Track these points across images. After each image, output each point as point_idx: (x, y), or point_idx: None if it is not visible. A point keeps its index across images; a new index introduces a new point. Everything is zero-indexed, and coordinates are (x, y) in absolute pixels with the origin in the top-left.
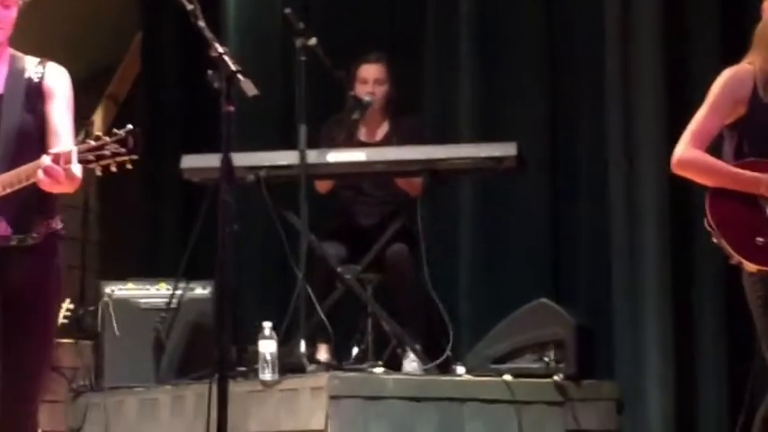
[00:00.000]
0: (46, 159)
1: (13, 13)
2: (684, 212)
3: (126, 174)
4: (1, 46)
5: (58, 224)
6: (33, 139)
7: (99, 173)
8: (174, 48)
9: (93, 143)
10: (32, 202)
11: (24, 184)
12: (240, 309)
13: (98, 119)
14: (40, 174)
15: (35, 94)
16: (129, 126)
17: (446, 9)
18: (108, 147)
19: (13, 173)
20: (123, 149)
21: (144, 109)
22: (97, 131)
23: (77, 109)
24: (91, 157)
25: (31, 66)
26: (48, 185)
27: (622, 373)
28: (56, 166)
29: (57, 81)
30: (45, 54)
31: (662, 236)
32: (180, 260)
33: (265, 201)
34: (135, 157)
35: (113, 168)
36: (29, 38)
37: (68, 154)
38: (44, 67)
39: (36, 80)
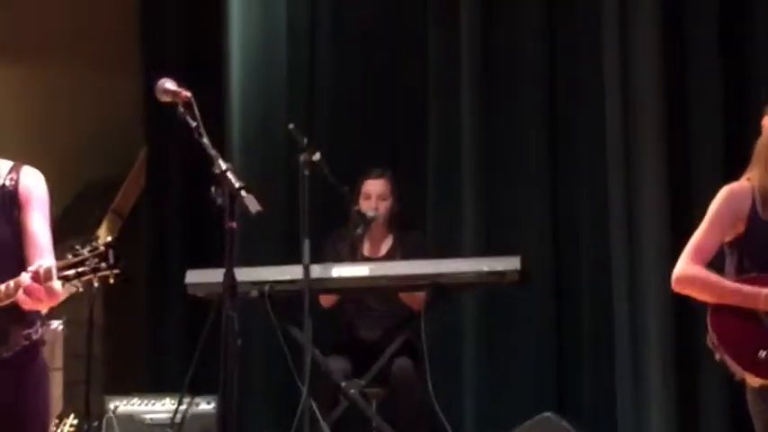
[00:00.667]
0: (26, 278)
1: None
2: (688, 329)
3: (131, 289)
4: None
5: (37, 333)
6: (11, 248)
7: (80, 288)
8: (179, 163)
9: (72, 259)
10: (9, 313)
11: (4, 302)
12: (245, 424)
13: (102, 232)
14: (21, 294)
15: (10, 203)
16: (108, 239)
17: (449, 125)
18: (88, 262)
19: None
20: (103, 264)
21: (148, 223)
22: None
23: (82, 223)
24: (71, 273)
25: (4, 171)
26: (28, 304)
27: None
28: (36, 285)
29: (32, 187)
30: (50, 168)
31: (666, 351)
32: (184, 375)
33: (269, 315)
34: (116, 271)
35: (95, 283)
36: (33, 147)
37: (48, 271)
38: (18, 173)
39: (10, 188)
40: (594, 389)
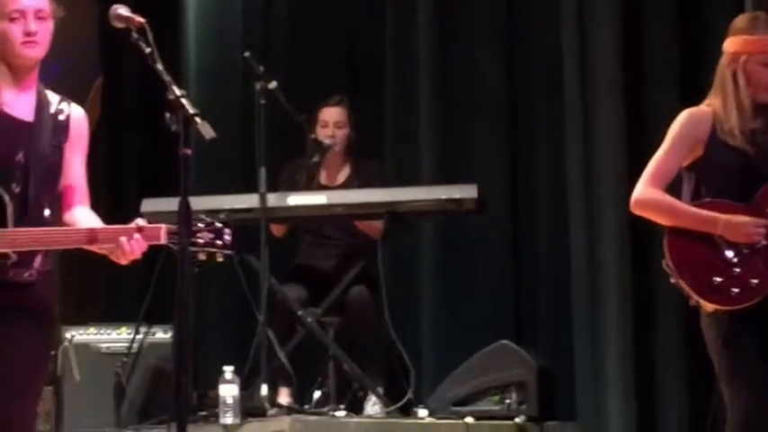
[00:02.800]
0: (135, 230)
1: (50, 26)
2: (645, 254)
3: None
4: (33, 69)
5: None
6: (55, 176)
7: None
8: (135, 92)
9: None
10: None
11: (95, 246)
12: (201, 353)
13: None
14: (125, 242)
15: (61, 132)
16: (223, 218)
17: (406, 52)
18: (201, 234)
19: (65, 230)
20: (218, 241)
21: (104, 153)
22: None
23: None
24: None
25: (54, 100)
26: (119, 254)
27: (584, 413)
28: (143, 242)
29: (82, 126)
30: None
31: (623, 278)
32: (141, 305)
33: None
34: (228, 252)
35: (202, 256)
36: None
37: (157, 231)
38: (69, 107)
39: (62, 118)
40: (551, 316)
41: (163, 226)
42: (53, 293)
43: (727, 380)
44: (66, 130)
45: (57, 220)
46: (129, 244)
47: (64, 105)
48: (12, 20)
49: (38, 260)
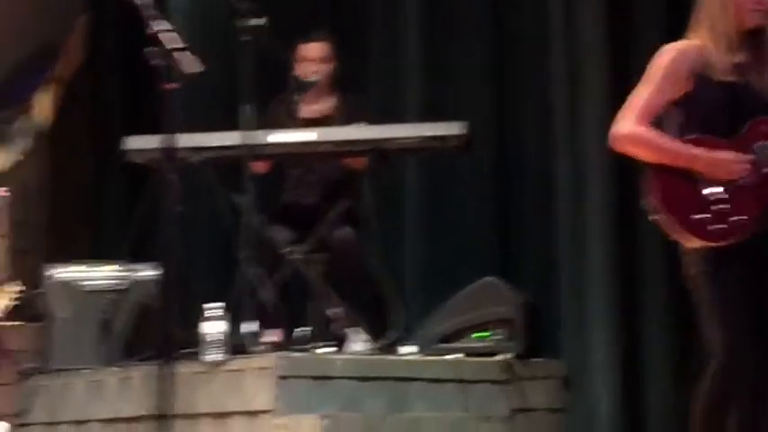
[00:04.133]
0: None
1: None
2: (629, 191)
3: (73, 157)
4: None
5: None
6: None
7: None
8: (119, 28)
9: None
10: None
11: None
12: (187, 290)
13: (44, 101)
14: None
15: None
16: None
17: None
18: None
19: None
20: None
21: (89, 91)
22: (44, 114)
23: (22, 91)
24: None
25: None
26: None
27: (569, 350)
28: None
29: None
30: None
31: (607, 215)
32: (126, 242)
33: (210, 182)
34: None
35: None
36: None
37: None
38: None
39: None
40: (536, 252)
41: None
42: None
43: (707, 315)
44: None
45: None
46: None
47: None
48: None
49: None
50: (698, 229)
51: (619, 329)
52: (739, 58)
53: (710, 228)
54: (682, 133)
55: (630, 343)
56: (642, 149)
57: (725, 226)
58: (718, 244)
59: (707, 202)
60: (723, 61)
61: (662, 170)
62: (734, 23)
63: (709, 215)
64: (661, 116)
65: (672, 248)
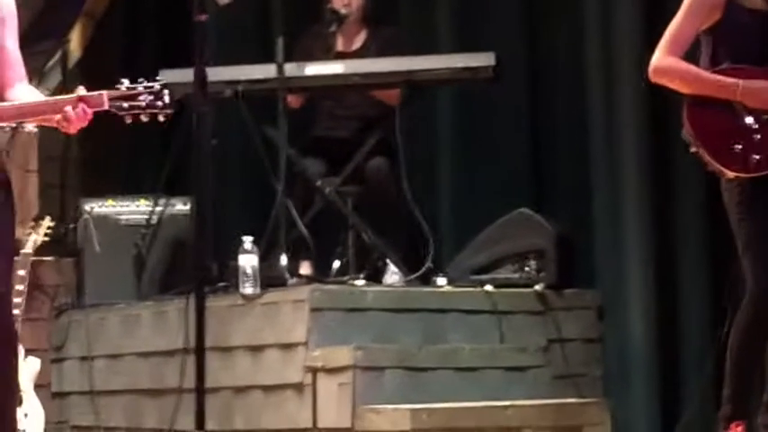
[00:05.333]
0: (77, 101)
1: None
2: (664, 123)
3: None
4: None
5: None
6: None
7: (129, 121)
8: None
9: (125, 91)
10: None
11: (41, 118)
12: (221, 223)
13: (75, 37)
14: (70, 111)
15: None
16: (160, 79)
17: None
18: (141, 97)
19: (33, 104)
20: (158, 102)
21: (120, 25)
22: (75, 49)
23: (54, 26)
24: (125, 105)
25: None
26: (67, 126)
27: (603, 280)
28: (87, 109)
29: (11, 6)
30: None
31: (642, 146)
32: (160, 176)
33: (243, 115)
34: (169, 111)
35: (144, 118)
36: None
37: (99, 98)
38: None
39: None
40: (570, 183)
41: (104, 92)
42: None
43: (745, 246)
44: None
45: None
46: (75, 113)
47: None
48: None
49: None
50: (736, 160)
51: (654, 259)
52: None
53: (749, 158)
54: (713, 63)
55: (665, 273)
56: (675, 80)
57: (764, 156)
58: (756, 174)
59: (745, 132)
60: None
61: (699, 101)
62: None
63: (746, 145)
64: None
65: (709, 179)
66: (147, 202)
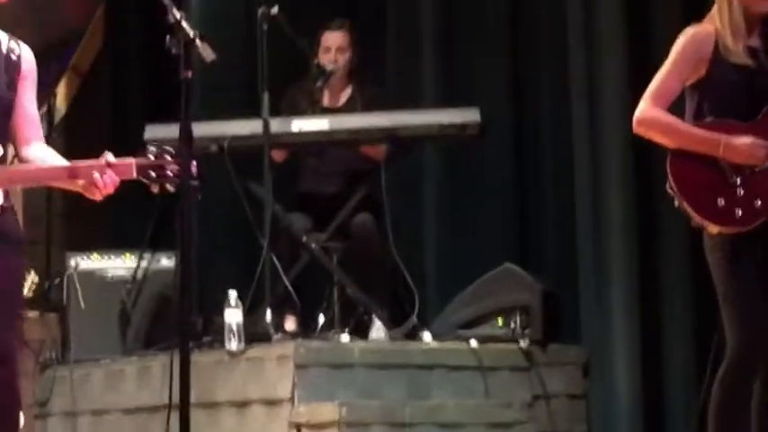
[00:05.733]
0: (106, 167)
1: None
2: (648, 176)
3: (92, 145)
4: None
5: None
6: (8, 114)
7: (155, 191)
8: (137, 18)
9: (154, 160)
10: None
11: (65, 182)
12: (206, 279)
13: (61, 91)
14: (98, 178)
15: (13, 71)
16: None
17: None
18: (170, 167)
19: (55, 169)
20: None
21: (107, 81)
22: (60, 104)
23: (40, 81)
24: (152, 174)
25: (5, 39)
26: (93, 192)
27: (588, 337)
28: (115, 176)
29: (32, 65)
30: (7, 23)
31: (627, 200)
32: (145, 232)
33: (229, 170)
34: (197, 182)
35: (171, 188)
36: None
37: (128, 167)
38: (19, 46)
39: (14, 58)
40: (555, 239)
41: (132, 161)
42: (16, 226)
43: (726, 303)
44: (19, 69)
45: (6, 157)
46: (103, 180)
47: (14, 44)
48: None
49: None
50: (719, 215)
51: (639, 315)
52: (752, 42)
53: (731, 213)
54: (699, 116)
55: (651, 328)
56: (658, 132)
57: (745, 211)
58: (737, 229)
59: (728, 187)
60: (735, 45)
61: (682, 154)
62: (740, 9)
63: (729, 200)
64: (680, 99)
65: (693, 233)
66: (132, 258)
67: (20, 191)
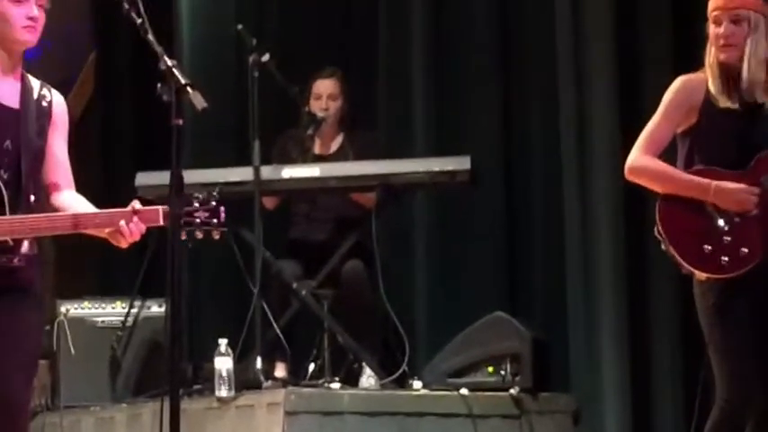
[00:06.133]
0: (132, 214)
1: (44, 17)
2: (638, 223)
3: (83, 192)
4: (22, 55)
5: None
6: (40, 162)
7: (183, 237)
8: (129, 66)
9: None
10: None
11: (91, 229)
12: (196, 326)
13: None
14: (124, 226)
15: (44, 117)
16: (216, 196)
17: (399, 24)
18: (198, 214)
19: (54, 216)
20: (214, 220)
21: (98, 128)
22: None
23: None
24: (181, 221)
25: (36, 86)
26: (119, 239)
27: (578, 385)
28: (142, 225)
29: (63, 111)
30: None
31: (616, 247)
32: (136, 278)
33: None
34: (224, 229)
35: (199, 235)
36: None
37: (155, 214)
38: (50, 93)
39: (45, 104)
40: (545, 287)
41: (160, 208)
42: (40, 276)
43: (715, 349)
44: (50, 116)
45: (42, 205)
46: (129, 227)
47: (45, 91)
48: (15, 2)
49: (25, 246)
50: (706, 262)
51: (629, 364)
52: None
53: (718, 260)
54: (690, 163)
55: (641, 378)
56: (650, 179)
57: (732, 258)
58: (725, 276)
59: (715, 234)
60: (720, 95)
61: (671, 201)
62: (714, 60)
63: (717, 247)
64: (672, 146)
65: (683, 281)
66: (123, 304)
67: None
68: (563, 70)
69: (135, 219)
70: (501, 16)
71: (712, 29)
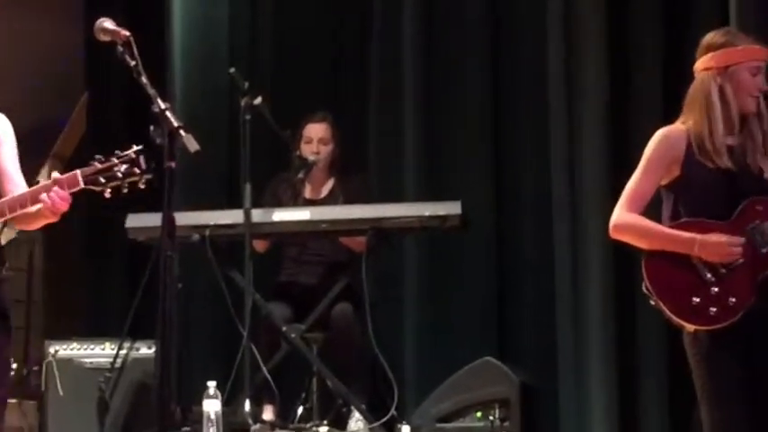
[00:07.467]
0: (52, 184)
1: None
2: (628, 276)
3: (72, 233)
4: None
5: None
6: None
7: (108, 195)
8: (121, 107)
9: (100, 165)
10: None
11: (29, 208)
12: (185, 368)
13: (43, 178)
14: (45, 197)
15: None
16: (136, 147)
17: (390, 68)
18: (117, 168)
19: (16, 197)
20: (136, 169)
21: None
22: None
23: (22, 168)
24: (101, 179)
25: None
26: (48, 214)
27: (567, 430)
28: (63, 192)
29: (7, 128)
30: None
31: (606, 292)
32: (125, 320)
33: (210, 260)
34: (148, 176)
35: (124, 189)
36: None
37: (73, 178)
38: None
39: None
40: (535, 334)
41: (78, 171)
42: (6, 293)
43: (704, 398)
44: None
45: None
46: (50, 197)
47: None
48: None
49: None
50: (695, 314)
51: (617, 409)
52: (730, 140)
53: (706, 311)
54: (675, 216)
55: (629, 424)
56: (634, 237)
57: (720, 309)
58: (713, 327)
59: (702, 286)
60: (718, 145)
61: (657, 255)
62: (736, 107)
63: (705, 299)
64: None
65: (671, 331)
66: (112, 345)
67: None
68: (554, 117)
69: (55, 188)
70: (494, 63)
71: (745, 77)
